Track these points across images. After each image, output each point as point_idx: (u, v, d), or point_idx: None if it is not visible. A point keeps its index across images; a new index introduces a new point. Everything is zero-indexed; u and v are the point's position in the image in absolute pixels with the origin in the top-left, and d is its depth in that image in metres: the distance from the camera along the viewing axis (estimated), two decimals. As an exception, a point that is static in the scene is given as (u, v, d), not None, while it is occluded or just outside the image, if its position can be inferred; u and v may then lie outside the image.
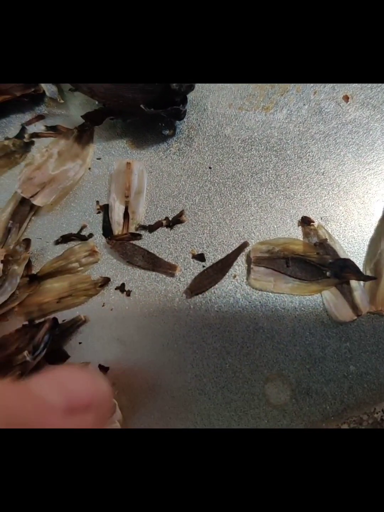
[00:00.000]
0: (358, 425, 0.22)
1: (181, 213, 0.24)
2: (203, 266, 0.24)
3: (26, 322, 0.23)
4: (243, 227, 0.24)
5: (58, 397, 0.15)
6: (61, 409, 0.14)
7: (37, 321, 0.23)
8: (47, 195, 0.24)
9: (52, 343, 0.22)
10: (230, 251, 0.24)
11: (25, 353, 0.21)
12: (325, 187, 0.25)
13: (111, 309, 0.23)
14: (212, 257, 0.24)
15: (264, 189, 0.25)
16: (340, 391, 0.22)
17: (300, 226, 0.24)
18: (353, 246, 0.24)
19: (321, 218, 0.24)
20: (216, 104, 0.26)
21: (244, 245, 0.24)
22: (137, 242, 0.24)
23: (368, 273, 0.23)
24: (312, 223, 0.24)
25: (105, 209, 0.25)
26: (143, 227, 0.24)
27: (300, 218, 0.24)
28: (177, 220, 0.24)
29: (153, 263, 0.24)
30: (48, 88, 0.26)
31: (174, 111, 0.24)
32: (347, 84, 0.26)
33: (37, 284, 0.23)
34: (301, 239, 0.24)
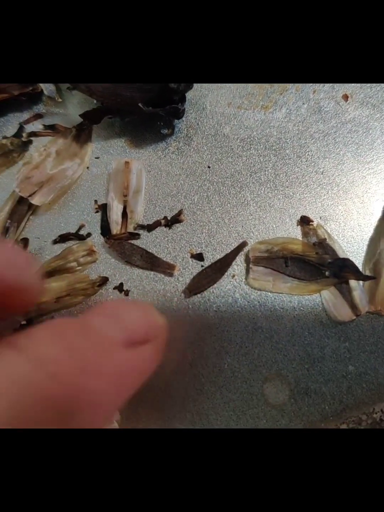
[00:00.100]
0: (357, 425, 0.22)
1: (180, 213, 0.24)
2: (202, 266, 0.24)
3: (24, 322, 0.23)
4: (242, 226, 0.24)
5: (118, 331, 0.15)
6: (121, 342, 0.15)
7: (35, 321, 0.23)
8: (45, 194, 0.24)
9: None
10: (229, 251, 0.24)
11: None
12: (324, 187, 0.25)
13: (110, 308, 0.23)
14: (211, 257, 0.24)
15: (263, 189, 0.25)
16: (339, 391, 0.22)
17: (299, 226, 0.24)
18: (352, 246, 0.24)
19: (320, 218, 0.24)
20: (215, 103, 0.26)
21: (243, 244, 0.24)
22: (135, 242, 0.24)
23: (367, 272, 0.23)
24: (311, 223, 0.24)
25: (103, 209, 0.25)
26: (142, 227, 0.24)
27: (299, 217, 0.24)
28: (176, 219, 0.24)
29: (152, 262, 0.24)
30: (46, 87, 0.26)
31: (172, 110, 0.24)
32: (347, 83, 0.26)
33: (35, 283, 0.23)
34: (300, 238, 0.24)
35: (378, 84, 0.26)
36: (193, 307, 0.23)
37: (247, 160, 0.25)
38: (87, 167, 0.25)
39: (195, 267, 0.24)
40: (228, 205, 0.24)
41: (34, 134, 0.26)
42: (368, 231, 0.24)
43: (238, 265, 0.24)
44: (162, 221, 0.24)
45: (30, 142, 0.26)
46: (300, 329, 0.23)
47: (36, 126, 0.26)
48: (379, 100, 0.26)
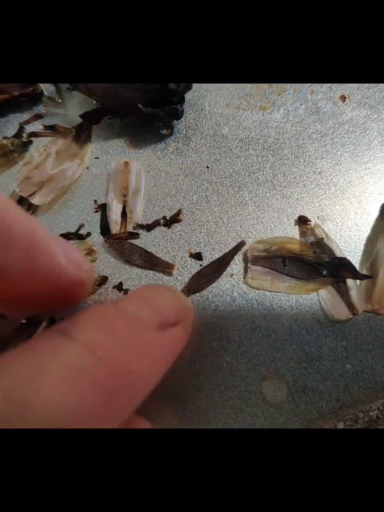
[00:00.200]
0: (354, 423, 0.22)
1: (179, 212, 0.25)
2: (201, 265, 0.24)
3: (24, 321, 0.23)
4: (240, 226, 0.24)
5: (151, 315, 0.16)
6: (155, 325, 0.16)
7: (35, 319, 0.23)
8: (45, 194, 0.24)
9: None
10: (227, 250, 0.24)
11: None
12: (322, 187, 0.25)
13: (109, 307, 0.23)
14: (210, 256, 0.24)
15: (261, 188, 0.25)
16: (336, 389, 0.22)
17: (296, 225, 0.24)
18: (350, 245, 0.24)
19: (318, 217, 0.24)
20: (213, 103, 0.26)
21: (241, 244, 0.24)
22: (134, 241, 0.24)
23: (364, 272, 0.23)
24: (308, 222, 0.24)
25: (103, 208, 0.25)
26: (141, 226, 0.24)
27: (297, 217, 0.24)
28: (175, 219, 0.24)
29: (151, 262, 0.24)
30: (46, 88, 0.26)
31: (171, 110, 0.24)
32: (344, 84, 0.26)
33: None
34: (298, 238, 0.24)
35: (375, 85, 0.26)
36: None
37: (246, 160, 0.25)
38: (87, 167, 0.26)
39: (194, 267, 0.24)
40: (227, 205, 0.25)
41: (34, 134, 0.26)
42: (365, 230, 0.24)
43: (236, 265, 0.24)
44: (161, 221, 0.24)
45: (30, 142, 0.26)
46: (298, 328, 0.23)
47: (36, 126, 0.26)
48: (376, 101, 0.26)
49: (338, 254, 0.23)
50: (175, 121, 0.26)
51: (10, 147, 0.26)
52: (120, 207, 0.25)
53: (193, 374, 0.23)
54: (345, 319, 0.23)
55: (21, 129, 0.26)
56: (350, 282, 0.23)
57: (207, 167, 0.25)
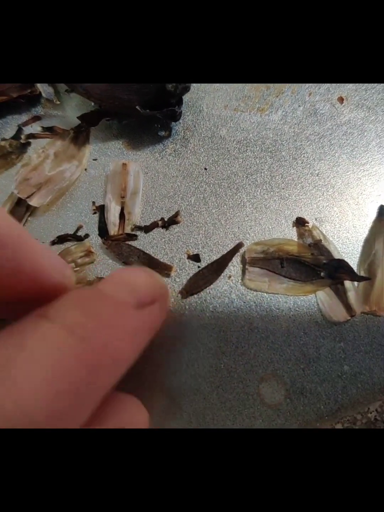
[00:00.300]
0: (352, 425, 0.22)
1: (177, 214, 0.25)
2: (199, 267, 0.24)
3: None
4: (238, 228, 0.24)
5: (128, 295, 0.17)
6: (132, 305, 0.16)
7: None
8: (43, 196, 0.24)
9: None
10: (225, 252, 0.24)
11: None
12: (320, 188, 0.25)
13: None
14: (208, 258, 0.24)
15: (259, 190, 0.25)
16: (334, 390, 0.22)
17: (294, 227, 0.24)
18: (348, 247, 0.24)
19: (316, 219, 0.24)
20: (211, 105, 0.26)
21: (239, 245, 0.24)
22: (133, 243, 0.24)
23: (362, 273, 0.23)
24: (306, 224, 0.24)
25: (101, 210, 0.25)
26: (139, 228, 0.24)
27: (295, 219, 0.24)
28: (173, 221, 0.24)
29: (149, 263, 0.24)
30: (45, 90, 0.26)
31: (169, 112, 0.24)
32: (342, 86, 0.26)
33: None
34: (296, 240, 0.24)
35: (373, 87, 0.26)
36: (189, 308, 0.23)
37: (243, 162, 0.25)
38: (85, 169, 0.26)
39: (192, 268, 0.24)
40: (225, 206, 0.25)
41: (32, 136, 0.26)
42: (363, 232, 0.24)
43: (234, 266, 0.24)
44: (159, 223, 0.24)
45: (29, 144, 0.26)
46: (296, 329, 0.23)
47: (35, 128, 0.27)
48: (374, 102, 0.26)
49: (336, 255, 0.23)
50: (173, 123, 0.26)
51: (8, 148, 0.26)
52: (118, 208, 0.25)
53: (191, 376, 0.23)
54: (343, 321, 0.23)
55: (19, 130, 0.26)
56: (348, 283, 0.23)
57: (205, 168, 0.25)
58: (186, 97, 0.25)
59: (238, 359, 0.23)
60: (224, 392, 0.22)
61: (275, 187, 0.25)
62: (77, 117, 0.25)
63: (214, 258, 0.24)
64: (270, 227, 0.24)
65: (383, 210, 0.24)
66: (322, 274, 0.23)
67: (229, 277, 0.24)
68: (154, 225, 0.25)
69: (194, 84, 0.26)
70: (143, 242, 0.24)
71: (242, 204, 0.25)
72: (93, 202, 0.25)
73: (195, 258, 0.24)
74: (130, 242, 0.24)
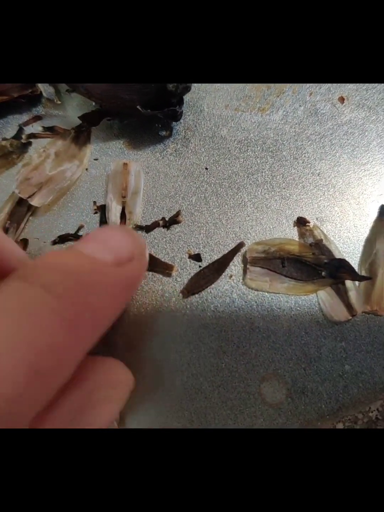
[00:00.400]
0: (353, 424, 0.22)
1: (178, 214, 0.25)
2: (200, 266, 0.24)
3: None
4: (239, 227, 0.24)
5: (106, 253, 0.17)
6: (111, 263, 0.17)
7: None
8: (44, 196, 0.24)
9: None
10: (227, 252, 0.24)
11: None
12: (321, 188, 0.25)
13: (108, 309, 0.23)
14: (209, 257, 0.24)
15: (260, 190, 0.25)
16: (335, 390, 0.22)
17: (295, 227, 0.24)
18: (349, 247, 0.24)
19: (317, 219, 0.24)
20: (212, 105, 0.26)
21: (240, 245, 0.24)
22: (134, 243, 0.24)
23: (363, 273, 0.23)
24: (307, 224, 0.24)
25: (102, 210, 0.25)
26: (140, 228, 0.25)
27: (296, 218, 0.24)
28: (174, 220, 0.24)
29: (150, 263, 0.24)
30: (45, 89, 0.26)
31: (170, 112, 0.24)
32: (343, 85, 0.26)
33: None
34: (297, 239, 0.24)
35: (374, 86, 0.26)
36: (191, 307, 0.23)
37: (244, 161, 0.25)
38: (86, 169, 0.26)
39: (193, 268, 0.24)
40: (226, 206, 0.25)
41: (33, 135, 0.26)
42: (364, 232, 0.24)
43: (235, 266, 0.24)
44: (160, 222, 0.24)
45: (30, 143, 0.26)
46: (297, 329, 0.23)
47: (36, 128, 0.26)
48: (375, 102, 0.26)
49: (337, 255, 0.23)
50: (174, 122, 0.26)
51: (9, 148, 0.26)
52: (119, 208, 0.25)
53: (192, 375, 0.23)
54: (344, 320, 0.23)
55: (20, 130, 0.26)
56: (349, 283, 0.23)
57: (206, 168, 0.25)
58: (187, 97, 0.25)
59: (239, 358, 0.23)
60: (226, 391, 0.22)
61: (276, 187, 0.25)
62: (78, 117, 0.25)
63: (215, 257, 0.24)
64: (271, 227, 0.24)
65: (384, 209, 0.24)
66: (323, 273, 0.23)
67: (230, 276, 0.24)
68: (155, 225, 0.25)
69: (195, 84, 0.26)
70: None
71: (243, 203, 0.25)
72: (94, 202, 0.25)
73: (196, 257, 0.24)
74: (131, 242, 0.24)
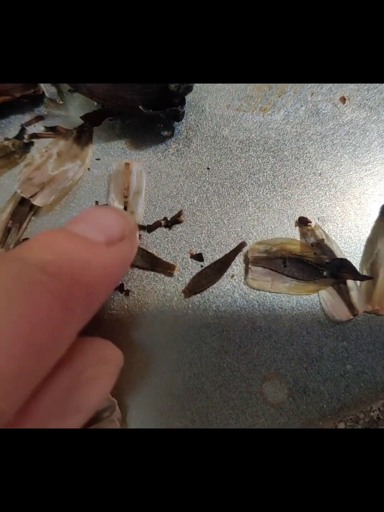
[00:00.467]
0: (354, 424, 0.22)
1: (180, 214, 0.25)
2: (201, 266, 0.24)
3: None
4: (241, 227, 0.24)
5: (98, 233, 0.17)
6: (103, 242, 0.17)
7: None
8: (46, 196, 0.24)
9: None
10: (228, 251, 0.24)
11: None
12: (322, 188, 0.25)
13: (110, 308, 0.23)
14: (210, 257, 0.24)
15: (261, 190, 0.25)
16: (337, 389, 0.22)
17: (297, 227, 0.24)
18: (350, 246, 0.24)
19: (318, 219, 0.24)
20: (214, 105, 0.26)
21: (242, 245, 0.24)
22: (135, 242, 0.24)
23: (364, 273, 0.23)
24: (309, 224, 0.24)
25: (104, 210, 0.25)
26: (142, 227, 0.25)
27: (297, 218, 0.24)
28: (176, 220, 0.24)
29: (152, 263, 0.24)
30: (48, 89, 0.26)
31: (172, 112, 0.24)
32: (344, 86, 0.26)
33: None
34: (298, 239, 0.24)
35: (375, 87, 0.26)
36: (192, 307, 0.23)
37: (246, 161, 0.25)
38: (88, 169, 0.26)
39: (195, 267, 0.24)
40: (227, 206, 0.25)
41: (35, 135, 0.26)
42: (366, 231, 0.24)
43: (237, 265, 0.24)
44: (162, 222, 0.25)
45: (32, 143, 0.26)
46: (299, 328, 0.23)
47: (38, 128, 0.27)
48: (376, 102, 0.26)
49: (339, 255, 0.23)
50: (175, 122, 0.26)
51: (11, 148, 0.26)
52: (121, 208, 0.25)
53: (194, 375, 0.23)
54: (346, 320, 0.23)
55: (22, 130, 0.26)
56: (350, 283, 0.23)
57: (208, 168, 0.25)
58: (188, 97, 0.25)
59: (241, 358, 0.23)
60: (227, 391, 0.22)
61: (278, 187, 0.25)
62: (80, 117, 0.25)
63: (217, 257, 0.24)
64: (272, 227, 0.24)
65: (385, 209, 0.24)
66: (324, 273, 0.23)
67: (232, 276, 0.24)
68: (157, 225, 0.25)
69: (196, 84, 0.26)
70: (146, 241, 0.24)
71: (245, 203, 0.25)
72: (96, 202, 0.25)
73: (198, 257, 0.24)
74: (133, 242, 0.24)
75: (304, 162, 0.25)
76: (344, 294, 0.23)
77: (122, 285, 0.24)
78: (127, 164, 0.25)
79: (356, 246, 0.24)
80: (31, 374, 0.13)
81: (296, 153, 0.25)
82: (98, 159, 0.26)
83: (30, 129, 0.27)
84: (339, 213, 0.24)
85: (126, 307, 0.23)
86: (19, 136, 0.26)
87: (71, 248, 0.16)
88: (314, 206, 0.25)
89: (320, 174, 0.25)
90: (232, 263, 0.24)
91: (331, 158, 0.25)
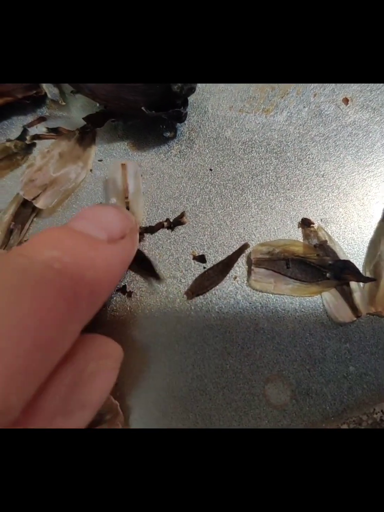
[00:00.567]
0: (357, 426, 0.22)
1: (182, 215, 0.25)
2: (204, 268, 0.24)
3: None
4: (244, 228, 0.24)
5: (100, 231, 0.18)
6: (105, 240, 0.17)
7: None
8: (49, 198, 0.24)
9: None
10: (231, 253, 0.24)
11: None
12: (325, 189, 0.25)
13: (113, 310, 0.23)
14: (213, 259, 0.24)
15: (264, 191, 0.25)
16: (340, 391, 0.22)
17: (300, 228, 0.24)
18: (353, 248, 0.24)
19: (321, 220, 0.24)
20: (216, 106, 0.26)
21: (245, 246, 0.24)
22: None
23: (367, 274, 0.23)
24: (312, 225, 0.24)
25: (106, 211, 0.25)
26: (144, 229, 0.25)
27: (300, 219, 0.24)
28: (178, 221, 0.24)
29: (143, 268, 0.24)
30: (50, 90, 0.26)
31: (175, 113, 0.24)
32: (347, 87, 0.26)
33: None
34: (301, 240, 0.24)
35: (378, 87, 0.26)
36: (195, 309, 0.23)
37: (249, 163, 0.25)
38: (90, 170, 0.26)
39: (197, 269, 0.24)
40: (230, 207, 0.25)
41: (37, 137, 0.26)
42: (369, 233, 0.24)
43: (240, 267, 0.24)
44: (165, 223, 0.24)
45: (34, 145, 0.26)
46: (302, 330, 0.23)
47: (40, 129, 0.27)
48: (379, 103, 0.26)
49: (342, 256, 0.23)
50: (178, 123, 0.26)
51: (14, 149, 0.26)
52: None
53: (197, 377, 0.23)
54: (349, 322, 0.23)
55: (24, 131, 0.26)
56: (353, 284, 0.23)
57: (210, 169, 0.25)
58: (191, 98, 0.25)
59: (243, 360, 0.23)
60: (230, 393, 0.22)
61: (281, 188, 0.25)
62: (83, 118, 0.25)
63: (220, 259, 0.24)
64: (275, 228, 0.24)
65: (388, 211, 0.24)
66: (327, 275, 0.23)
67: (235, 278, 0.24)
68: (159, 226, 0.25)
69: (199, 85, 0.26)
70: (148, 242, 0.24)
71: (248, 205, 0.25)
72: (99, 203, 0.25)
73: (201, 259, 0.24)
74: (135, 243, 0.24)
75: (307, 164, 0.25)
76: (347, 295, 0.23)
77: (124, 286, 0.24)
78: (123, 165, 0.25)
79: (359, 247, 0.24)
80: (38, 369, 0.14)
81: (299, 154, 0.25)
82: (100, 161, 0.26)
83: (32, 130, 0.27)
84: (342, 215, 0.24)
85: (128, 308, 0.23)
86: (21, 137, 0.26)
87: (74, 245, 0.16)
88: (317, 208, 0.25)
89: (323, 176, 0.25)
90: (235, 265, 0.24)
91: (334, 159, 0.25)
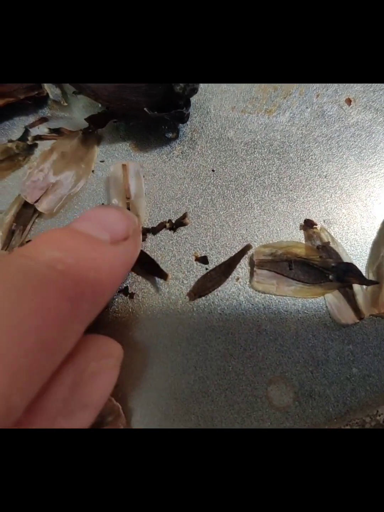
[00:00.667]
0: (360, 427, 0.22)
1: (184, 216, 0.24)
2: (206, 269, 0.24)
3: None
4: (246, 230, 0.24)
5: (103, 232, 0.18)
6: (108, 241, 0.17)
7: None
8: (51, 201, 0.24)
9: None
10: (233, 254, 0.24)
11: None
12: (328, 190, 0.25)
13: (115, 311, 0.23)
14: (215, 260, 0.24)
15: (267, 192, 0.25)
16: (343, 393, 0.22)
17: (302, 229, 0.24)
18: (356, 249, 0.24)
19: (324, 221, 0.24)
20: (219, 107, 0.26)
21: (247, 248, 0.24)
22: (140, 245, 0.24)
23: (370, 275, 0.23)
24: (314, 226, 0.24)
25: (108, 212, 0.25)
26: (147, 230, 0.24)
27: (303, 221, 0.24)
28: (180, 222, 0.24)
29: (147, 268, 0.24)
30: (52, 91, 0.26)
31: (177, 114, 0.24)
32: (350, 87, 0.26)
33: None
34: (304, 242, 0.24)
35: (381, 88, 0.26)
36: (197, 310, 0.23)
37: (251, 163, 0.25)
38: (92, 171, 0.26)
39: (200, 270, 0.24)
40: (232, 208, 0.25)
41: (39, 137, 0.26)
42: (372, 234, 0.24)
43: (242, 268, 0.24)
44: (167, 224, 0.24)
45: (35, 145, 0.26)
46: (304, 332, 0.23)
47: (42, 129, 0.26)
48: (382, 104, 0.26)
49: (344, 258, 0.23)
50: (180, 124, 0.26)
51: (15, 150, 0.26)
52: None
53: (199, 378, 0.23)
54: (352, 323, 0.22)
55: (26, 132, 0.26)
56: (356, 286, 0.23)
57: (213, 170, 0.25)
58: (193, 99, 0.25)
59: (246, 361, 0.23)
60: (233, 394, 0.22)
61: (283, 189, 0.25)
62: (85, 119, 0.25)
63: (222, 260, 0.24)
64: (278, 229, 0.24)
65: (391, 212, 0.24)
66: (330, 277, 0.23)
67: (237, 279, 0.24)
68: (161, 227, 0.24)
69: (201, 86, 0.26)
70: (150, 244, 0.24)
71: (250, 206, 0.25)
72: (101, 204, 0.25)
73: (203, 260, 0.24)
74: (137, 244, 0.24)
75: (310, 164, 0.25)
76: (350, 297, 0.23)
77: (126, 287, 0.24)
78: (123, 166, 0.25)
79: (362, 248, 0.24)
80: (40, 369, 0.14)
81: (301, 155, 0.25)
82: (102, 161, 0.26)
83: (34, 131, 0.27)
84: (345, 216, 0.24)
85: (130, 309, 0.23)
86: (23, 138, 0.26)
87: (77, 246, 0.16)
88: (319, 209, 0.24)
89: (325, 176, 0.25)
90: (237, 266, 0.24)
91: (337, 160, 0.25)
